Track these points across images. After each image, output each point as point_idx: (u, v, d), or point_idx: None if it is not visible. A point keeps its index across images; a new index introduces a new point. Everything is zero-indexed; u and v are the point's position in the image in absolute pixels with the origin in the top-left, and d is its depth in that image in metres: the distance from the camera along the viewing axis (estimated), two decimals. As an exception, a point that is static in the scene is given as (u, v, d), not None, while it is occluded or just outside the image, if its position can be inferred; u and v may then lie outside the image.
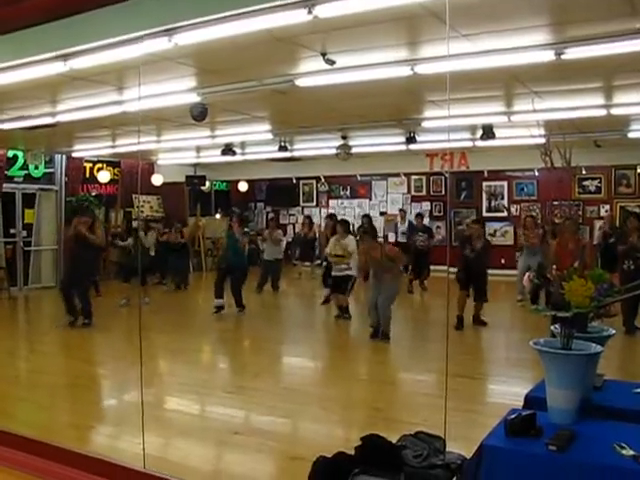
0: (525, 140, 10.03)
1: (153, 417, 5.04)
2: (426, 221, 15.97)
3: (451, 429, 3.52)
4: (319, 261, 15.24)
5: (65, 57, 4.98)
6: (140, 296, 10.88)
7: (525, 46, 5.44)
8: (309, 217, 15.93)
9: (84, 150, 13.64)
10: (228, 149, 12.56)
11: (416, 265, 13.17)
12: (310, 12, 4.04)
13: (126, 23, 4.22)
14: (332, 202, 18.63)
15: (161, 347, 8.29)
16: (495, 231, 15.88)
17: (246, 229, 13.04)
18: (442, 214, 16.90)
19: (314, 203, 18.99)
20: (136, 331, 6.36)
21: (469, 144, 11.69)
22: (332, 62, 5.84)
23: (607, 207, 14.68)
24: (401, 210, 16.18)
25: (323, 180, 18.35)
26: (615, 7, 4.56)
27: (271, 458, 4.54)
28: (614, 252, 8.94)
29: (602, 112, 8.50)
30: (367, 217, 12.45)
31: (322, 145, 12.51)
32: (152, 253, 11.92)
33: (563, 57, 5.45)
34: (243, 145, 13.04)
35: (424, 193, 17.30)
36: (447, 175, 15.81)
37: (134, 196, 15.77)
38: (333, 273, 10.05)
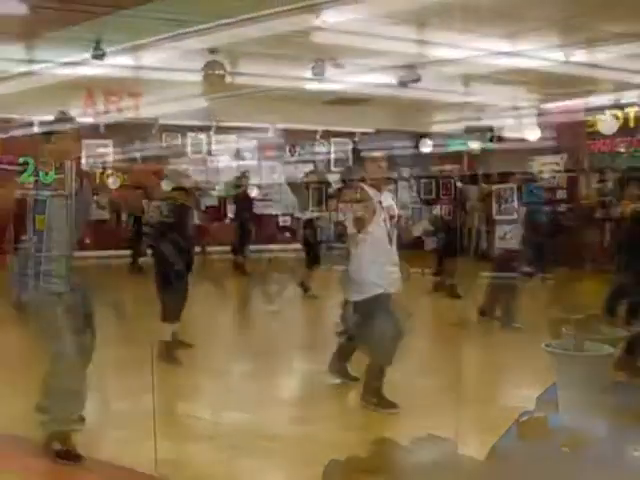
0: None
1: (165, 422, 5.05)
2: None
3: (462, 432, 3.51)
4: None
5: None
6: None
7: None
8: None
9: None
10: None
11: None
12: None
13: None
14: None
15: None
16: (505, 234, 15.78)
17: None
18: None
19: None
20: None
21: (478, 147, 11.69)
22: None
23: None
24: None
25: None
26: None
27: (283, 463, 4.53)
28: None
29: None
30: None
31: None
32: None
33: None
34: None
35: (434, 196, 17.23)
36: (456, 178, 15.77)
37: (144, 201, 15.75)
38: None
